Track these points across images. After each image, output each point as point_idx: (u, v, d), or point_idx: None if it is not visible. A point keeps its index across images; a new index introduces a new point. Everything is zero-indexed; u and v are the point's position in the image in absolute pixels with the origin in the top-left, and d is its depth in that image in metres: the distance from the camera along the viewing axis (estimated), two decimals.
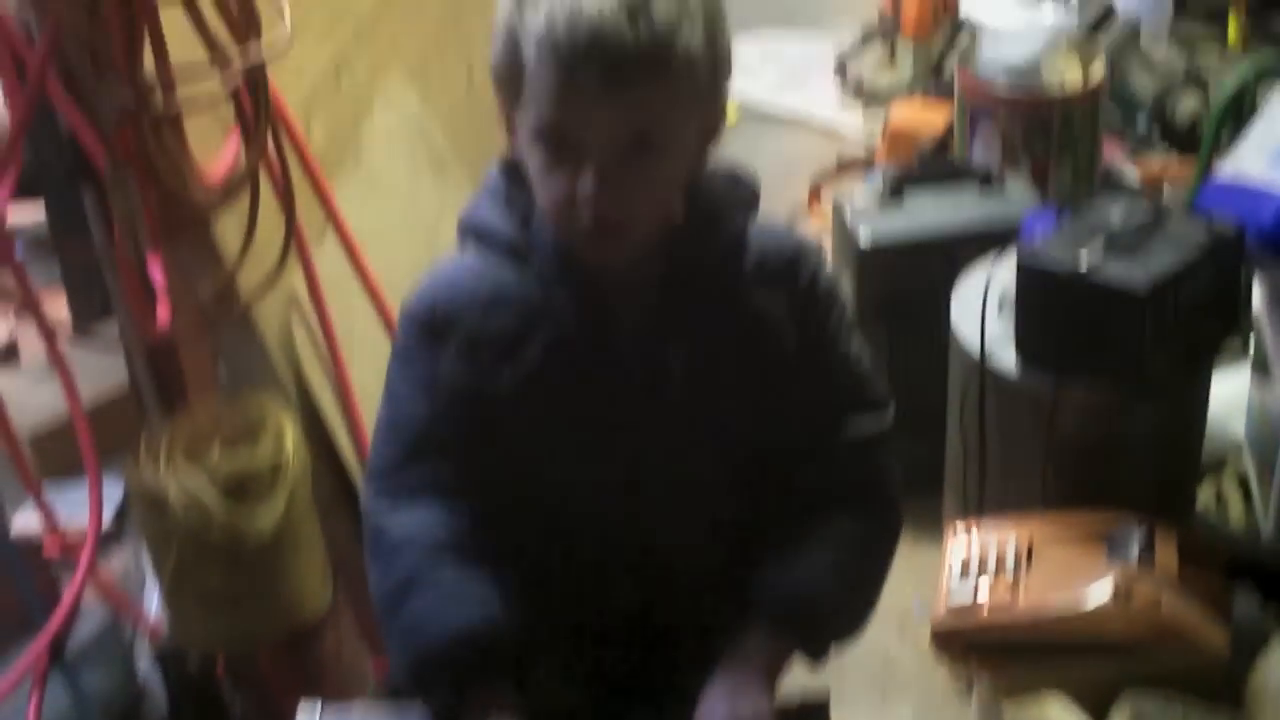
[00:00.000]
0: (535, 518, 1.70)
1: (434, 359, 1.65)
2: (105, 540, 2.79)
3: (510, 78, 1.53)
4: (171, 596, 2.27)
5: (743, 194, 1.68)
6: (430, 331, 1.65)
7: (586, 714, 1.81)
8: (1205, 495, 2.93)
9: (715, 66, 1.55)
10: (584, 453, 1.66)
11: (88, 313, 3.30)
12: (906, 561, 2.85)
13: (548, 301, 1.61)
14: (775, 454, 1.70)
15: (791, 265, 1.68)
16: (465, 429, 1.65)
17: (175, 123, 2.10)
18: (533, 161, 1.55)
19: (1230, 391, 2.95)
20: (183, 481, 2.13)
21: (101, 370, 2.98)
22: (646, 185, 1.54)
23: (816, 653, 1.69)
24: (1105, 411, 2.48)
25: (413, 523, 1.65)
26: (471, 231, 1.67)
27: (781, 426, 1.69)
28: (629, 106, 1.48)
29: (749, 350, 1.65)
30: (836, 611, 1.70)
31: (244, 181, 2.15)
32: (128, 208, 2.03)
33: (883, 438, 1.73)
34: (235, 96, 2.12)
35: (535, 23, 1.47)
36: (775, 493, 1.71)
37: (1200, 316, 2.45)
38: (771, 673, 1.66)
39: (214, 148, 2.23)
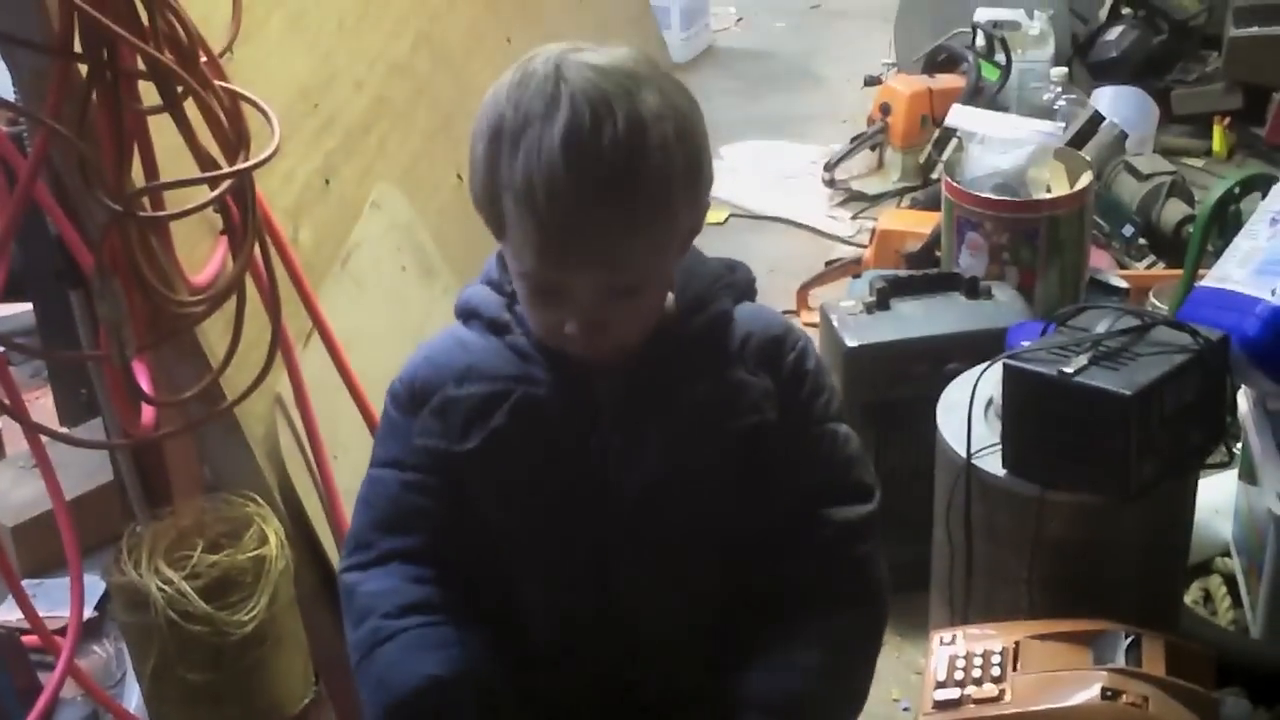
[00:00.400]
0: (506, 588, 1.71)
1: (408, 429, 1.67)
2: (86, 634, 2.77)
3: (492, 217, 1.55)
4: (152, 693, 2.26)
5: (735, 280, 1.70)
6: (407, 404, 1.68)
7: None
8: (1193, 596, 2.93)
9: (698, 197, 1.57)
10: (553, 525, 1.66)
11: (75, 412, 3.30)
12: (893, 660, 2.87)
13: (523, 370, 1.62)
14: (758, 537, 1.70)
15: (776, 345, 1.68)
16: (436, 498, 1.67)
17: (163, 230, 2.12)
18: (519, 289, 1.58)
19: (1216, 493, 2.96)
20: (164, 579, 2.13)
21: (87, 466, 2.98)
22: (632, 321, 1.56)
23: None
24: (1091, 516, 2.47)
25: (381, 586, 1.68)
26: (461, 311, 1.69)
27: (764, 510, 1.68)
28: (613, 270, 1.51)
29: (729, 429, 1.65)
30: (827, 712, 1.69)
31: (230, 287, 2.16)
32: (114, 313, 2.04)
33: (870, 523, 1.72)
34: (223, 204, 2.14)
35: (513, 179, 1.48)
36: (760, 578, 1.70)
37: (1186, 423, 2.45)
38: None
39: (202, 252, 2.24)
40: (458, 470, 1.65)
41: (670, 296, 1.65)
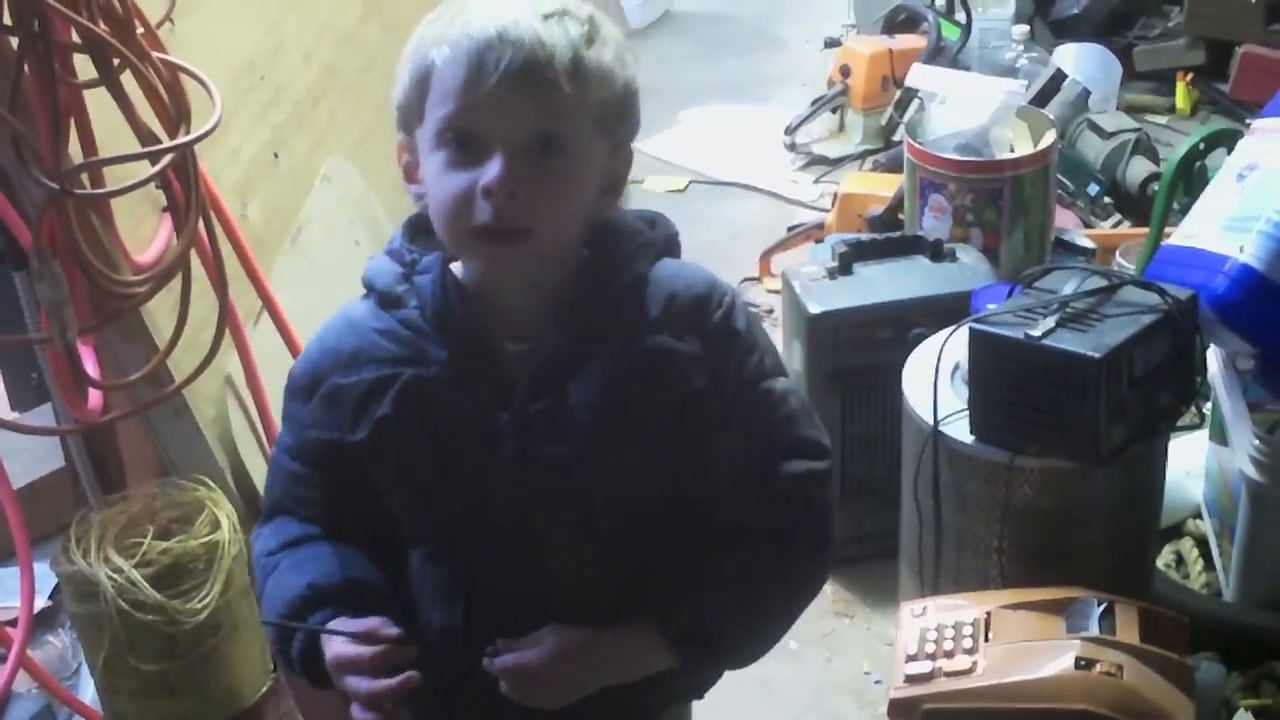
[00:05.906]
0: (403, 565, 1.68)
1: (300, 418, 1.64)
2: (41, 624, 2.72)
3: (416, 90, 1.51)
4: (106, 684, 2.22)
5: (654, 238, 1.63)
6: (300, 391, 1.64)
7: None
8: (1165, 559, 2.90)
9: (625, 93, 1.54)
10: (460, 503, 1.60)
11: (25, 396, 3.23)
12: (863, 633, 2.85)
13: (413, 349, 1.57)
14: (695, 501, 1.63)
15: (701, 305, 1.59)
16: (323, 490, 1.65)
17: (103, 208, 2.06)
18: (432, 169, 1.51)
19: (1187, 455, 2.94)
20: (114, 568, 2.08)
21: (39, 452, 2.92)
22: (549, 189, 1.49)
23: (684, 652, 1.60)
24: (1061, 481, 2.44)
25: (269, 537, 1.68)
26: (363, 284, 1.64)
27: (702, 474, 1.61)
28: (538, 105, 1.46)
29: (656, 400, 1.57)
30: (721, 619, 1.61)
31: (174, 265, 2.11)
32: (55, 294, 1.98)
33: (822, 478, 1.65)
34: (165, 181, 2.08)
35: (450, 28, 1.47)
36: (691, 530, 1.63)
37: (1155, 384, 2.41)
38: (621, 649, 1.60)
39: (146, 231, 2.19)
40: (354, 457, 1.60)
41: (585, 253, 1.59)
